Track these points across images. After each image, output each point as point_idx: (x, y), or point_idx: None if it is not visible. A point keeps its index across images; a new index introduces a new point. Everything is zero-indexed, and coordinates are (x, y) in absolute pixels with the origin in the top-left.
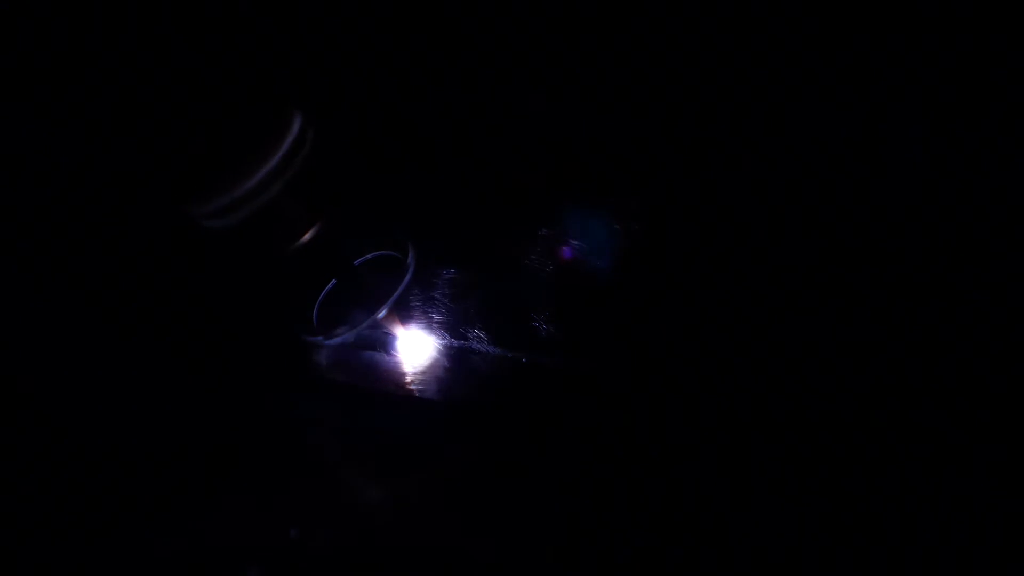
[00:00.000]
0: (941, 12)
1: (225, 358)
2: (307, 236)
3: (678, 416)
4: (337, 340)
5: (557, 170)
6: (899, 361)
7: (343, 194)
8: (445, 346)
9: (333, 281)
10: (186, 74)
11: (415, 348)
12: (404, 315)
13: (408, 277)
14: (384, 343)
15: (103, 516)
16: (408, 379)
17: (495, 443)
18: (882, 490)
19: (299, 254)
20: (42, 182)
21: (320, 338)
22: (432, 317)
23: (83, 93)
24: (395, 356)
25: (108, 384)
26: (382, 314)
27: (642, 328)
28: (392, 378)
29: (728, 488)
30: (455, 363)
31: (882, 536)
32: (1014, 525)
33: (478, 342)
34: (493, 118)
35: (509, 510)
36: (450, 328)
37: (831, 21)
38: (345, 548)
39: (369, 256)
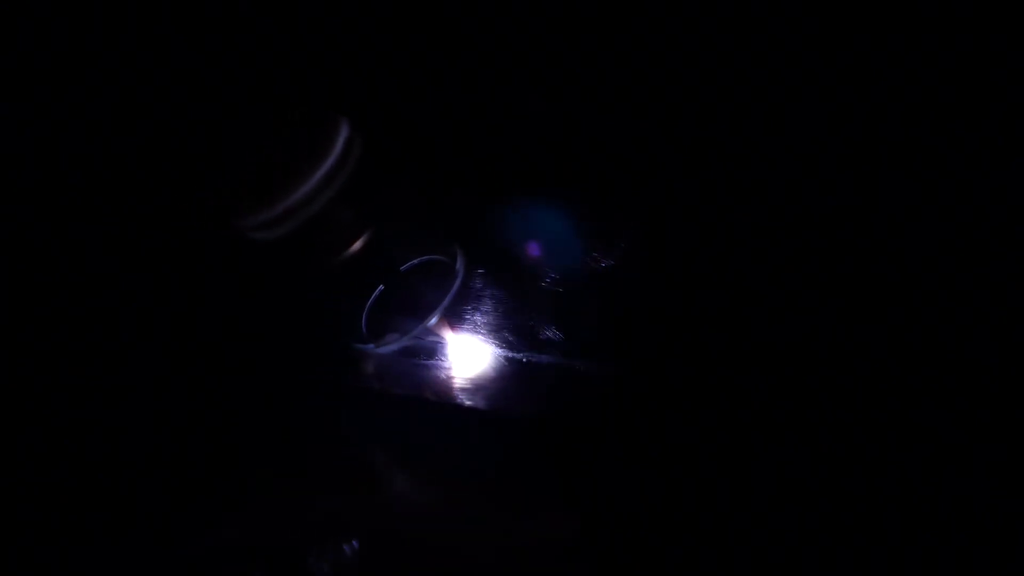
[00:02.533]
0: (941, 12)
1: (270, 365)
2: (357, 245)
3: (678, 416)
4: (388, 347)
5: (557, 170)
6: (899, 361)
7: (390, 200)
8: (481, 352)
9: (381, 287)
10: (186, 74)
11: (459, 355)
12: (452, 321)
13: (458, 282)
14: (431, 350)
15: (152, 516)
16: (451, 386)
17: (521, 449)
18: (882, 490)
19: (348, 262)
20: (67, 182)
21: (370, 346)
22: (475, 322)
23: (83, 93)
24: (442, 363)
25: (152, 390)
26: (433, 321)
27: (641, 328)
28: (437, 386)
29: (728, 488)
30: (495, 370)
31: (882, 536)
32: (1014, 525)
33: (509, 348)
34: (493, 118)
35: (519, 512)
36: (487, 334)
37: (831, 21)
38: (378, 554)
39: (415, 261)
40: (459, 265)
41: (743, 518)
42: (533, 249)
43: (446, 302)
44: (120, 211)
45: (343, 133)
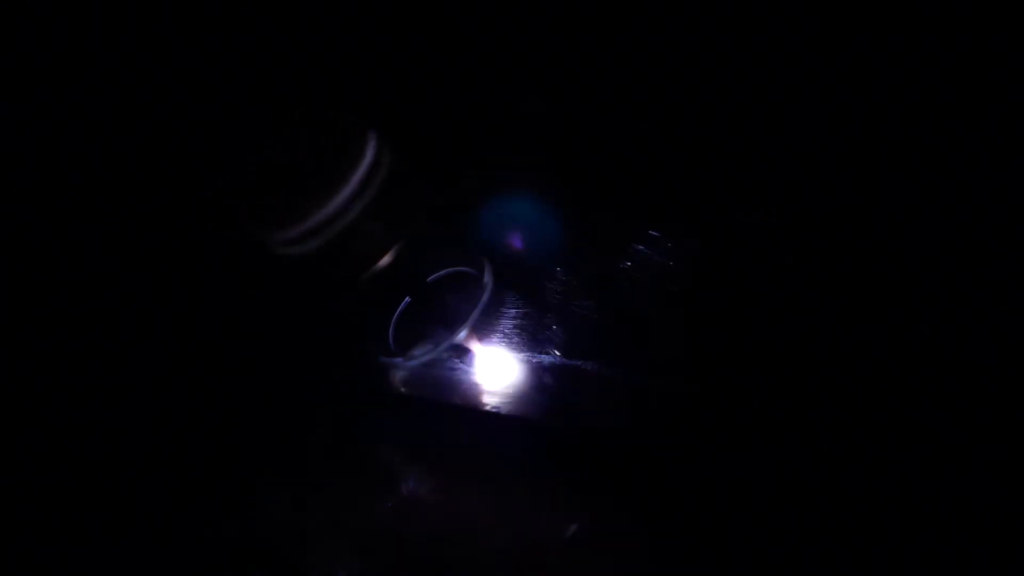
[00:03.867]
0: (941, 12)
1: (271, 365)
2: (386, 259)
3: (683, 417)
4: (416, 361)
5: (557, 170)
6: (899, 361)
7: (419, 212)
8: (484, 353)
9: (407, 300)
10: (186, 74)
11: (463, 355)
12: (478, 332)
13: (486, 295)
14: (457, 360)
15: (152, 516)
16: (453, 387)
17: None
18: (882, 490)
19: (377, 276)
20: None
21: (399, 359)
22: (497, 332)
23: (83, 93)
24: (445, 364)
25: (152, 390)
26: (462, 334)
27: (640, 329)
28: (439, 387)
29: (728, 488)
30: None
31: (882, 536)
32: (1014, 525)
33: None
34: (493, 118)
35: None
36: (490, 334)
37: (831, 21)
38: (378, 554)
39: (442, 273)
40: (487, 277)
41: (743, 518)
42: (532, 249)
43: (476, 315)
44: (120, 211)
45: (372, 142)
